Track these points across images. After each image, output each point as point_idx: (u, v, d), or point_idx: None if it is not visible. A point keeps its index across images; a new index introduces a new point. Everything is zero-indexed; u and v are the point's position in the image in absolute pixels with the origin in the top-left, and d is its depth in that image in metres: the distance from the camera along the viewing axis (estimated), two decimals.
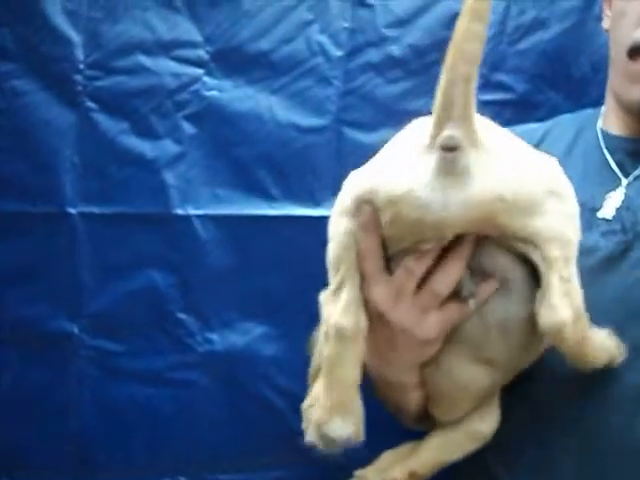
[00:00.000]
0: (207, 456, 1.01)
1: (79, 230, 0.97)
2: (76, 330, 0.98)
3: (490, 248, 0.61)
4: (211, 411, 1.00)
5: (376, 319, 0.62)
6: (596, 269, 0.71)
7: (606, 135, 0.81)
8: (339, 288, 0.63)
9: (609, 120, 0.83)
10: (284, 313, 1.00)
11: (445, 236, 0.58)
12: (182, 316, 1.00)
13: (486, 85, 1.01)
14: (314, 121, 1.00)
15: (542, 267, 0.58)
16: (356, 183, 0.62)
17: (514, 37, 1.02)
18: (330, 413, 0.62)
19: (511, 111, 1.01)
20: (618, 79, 0.79)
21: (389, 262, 0.63)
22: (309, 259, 1.02)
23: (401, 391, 0.70)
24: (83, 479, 0.99)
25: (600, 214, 0.74)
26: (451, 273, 0.61)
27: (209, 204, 1.00)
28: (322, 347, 0.63)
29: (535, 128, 0.89)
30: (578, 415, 0.69)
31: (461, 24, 0.53)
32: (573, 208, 0.61)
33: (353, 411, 0.62)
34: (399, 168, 0.58)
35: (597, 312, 0.62)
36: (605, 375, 0.65)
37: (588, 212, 0.73)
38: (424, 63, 1.01)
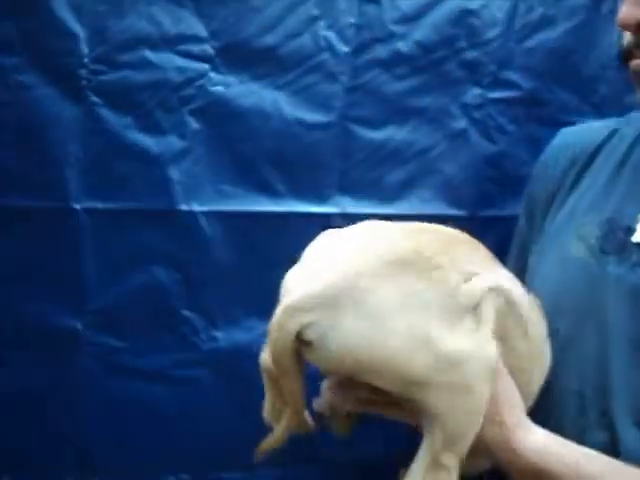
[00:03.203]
0: (210, 454, 1.01)
1: (83, 226, 0.96)
2: (79, 326, 0.97)
3: None
4: (215, 408, 1.00)
5: None
6: (623, 299, 0.69)
7: None
8: None
9: None
10: None
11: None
12: (186, 313, 1.00)
13: (494, 83, 1.01)
14: (320, 117, 1.00)
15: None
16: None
17: (522, 35, 1.02)
18: None
19: (519, 108, 1.01)
20: None
21: None
22: None
23: None
24: (86, 477, 0.98)
25: (635, 238, 0.70)
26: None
27: (214, 200, 0.99)
28: None
29: (606, 125, 0.86)
30: None
31: None
32: (476, 396, 0.59)
33: None
34: None
35: (626, 342, 0.63)
36: None
37: (622, 233, 0.71)
38: (431, 60, 1.01)
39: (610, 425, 0.67)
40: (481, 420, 0.60)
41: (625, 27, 0.70)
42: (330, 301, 0.59)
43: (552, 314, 0.73)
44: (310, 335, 0.59)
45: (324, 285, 0.60)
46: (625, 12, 0.69)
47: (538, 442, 0.63)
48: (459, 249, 0.65)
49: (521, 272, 0.83)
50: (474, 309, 0.60)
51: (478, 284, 0.60)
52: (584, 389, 0.69)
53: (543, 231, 0.84)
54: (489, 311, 0.60)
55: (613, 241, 0.68)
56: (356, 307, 0.58)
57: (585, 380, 0.69)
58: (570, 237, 0.75)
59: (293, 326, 0.60)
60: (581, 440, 0.67)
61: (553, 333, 0.72)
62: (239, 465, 1.01)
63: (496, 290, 0.61)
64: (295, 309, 0.60)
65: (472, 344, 0.58)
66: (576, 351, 0.71)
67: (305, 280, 0.63)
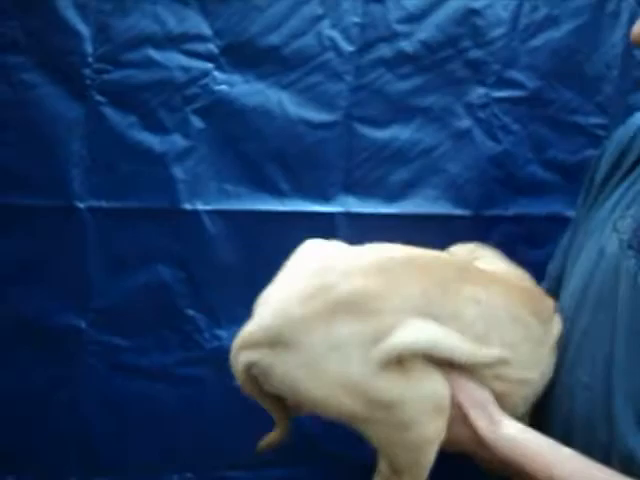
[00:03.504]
0: (214, 452, 1.01)
1: (87, 224, 0.96)
2: (83, 325, 0.97)
3: None
4: (218, 407, 1.00)
5: None
6: (631, 296, 0.69)
7: None
8: None
9: None
10: None
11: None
12: (190, 312, 1.00)
13: (498, 82, 1.01)
14: (324, 116, 1.00)
15: None
16: None
17: (526, 34, 1.01)
18: None
19: (523, 108, 1.01)
20: None
21: None
22: None
23: None
24: (89, 476, 0.98)
25: None
26: None
27: (218, 199, 0.99)
28: None
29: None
30: None
31: None
32: (419, 432, 0.62)
33: None
34: None
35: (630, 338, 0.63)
36: None
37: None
38: (436, 59, 1.01)
39: (612, 421, 0.67)
40: (432, 450, 0.63)
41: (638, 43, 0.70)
42: (271, 340, 0.63)
43: (576, 308, 0.74)
44: (254, 371, 0.65)
45: (268, 324, 0.64)
46: (637, 29, 0.69)
47: (510, 435, 0.65)
48: (417, 286, 0.65)
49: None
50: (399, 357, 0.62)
51: (396, 340, 0.61)
52: (594, 383, 0.69)
53: (590, 214, 0.84)
54: (414, 360, 0.62)
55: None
56: (292, 348, 0.61)
57: (595, 374, 0.70)
58: (608, 229, 0.75)
59: (242, 360, 0.65)
60: (587, 435, 0.68)
61: (575, 326, 0.74)
62: (242, 464, 1.01)
63: (412, 348, 0.62)
64: (242, 346, 0.65)
65: (404, 386, 0.61)
66: (590, 345, 0.71)
67: (259, 311, 0.67)
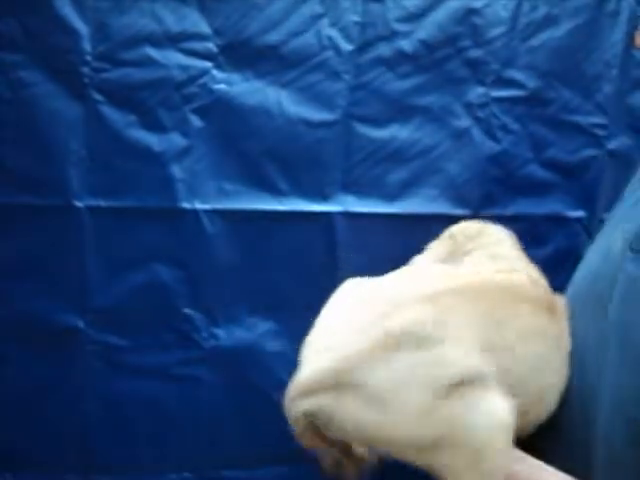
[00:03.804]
0: (212, 452, 1.01)
1: (85, 224, 0.96)
2: (82, 325, 0.97)
3: None
4: (216, 407, 1.00)
5: None
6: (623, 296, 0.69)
7: None
8: None
9: None
10: (290, 309, 1.00)
11: None
12: (188, 311, 1.00)
13: (498, 81, 1.01)
14: (324, 116, 1.00)
15: None
16: None
17: (526, 34, 1.01)
18: None
19: (522, 107, 1.01)
20: None
21: None
22: (317, 255, 1.02)
23: None
24: (87, 475, 0.98)
25: None
26: None
27: (216, 198, 0.99)
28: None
29: None
30: None
31: None
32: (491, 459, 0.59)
33: None
34: None
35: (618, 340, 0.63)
36: None
37: None
38: (435, 58, 1.00)
39: (596, 423, 0.67)
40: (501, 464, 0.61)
41: None
42: (330, 385, 0.60)
43: (580, 305, 0.74)
44: (316, 418, 0.61)
45: (324, 367, 0.61)
46: None
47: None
48: (463, 314, 0.64)
49: None
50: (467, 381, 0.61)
51: (459, 366, 0.60)
52: (584, 384, 0.69)
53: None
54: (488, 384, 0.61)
55: None
56: (354, 389, 0.60)
57: (585, 380, 0.69)
58: (617, 230, 0.74)
59: (300, 409, 0.61)
60: (577, 436, 0.68)
61: (576, 329, 0.73)
62: (240, 463, 1.01)
63: (468, 378, 0.61)
64: (299, 395, 0.62)
65: (468, 410, 0.59)
66: (586, 347, 0.71)
67: (313, 357, 0.64)
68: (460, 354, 0.61)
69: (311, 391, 0.61)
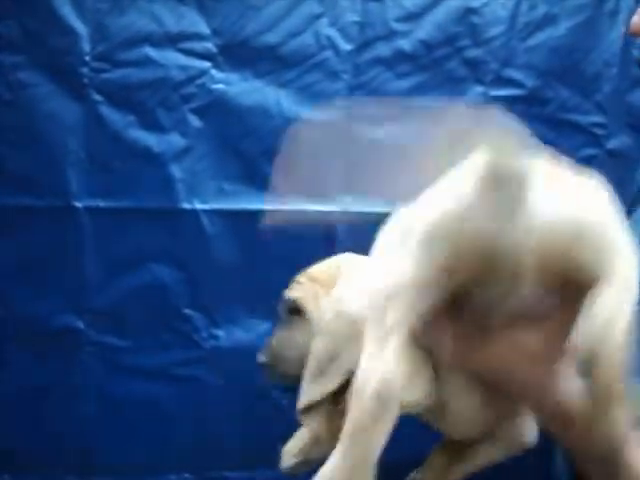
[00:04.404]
0: (212, 452, 1.00)
1: (85, 224, 0.96)
2: (82, 325, 0.97)
3: None
4: (216, 407, 1.00)
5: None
6: None
7: None
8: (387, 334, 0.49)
9: None
10: None
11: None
12: (188, 312, 0.99)
13: (496, 80, 1.01)
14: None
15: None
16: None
17: (525, 33, 1.01)
18: None
19: (521, 106, 1.01)
20: None
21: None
22: (316, 255, 1.02)
23: None
24: (87, 475, 0.98)
25: None
26: None
27: (216, 198, 0.99)
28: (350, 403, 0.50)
29: None
30: None
31: None
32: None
33: None
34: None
35: None
36: None
37: None
38: (434, 58, 1.00)
39: None
40: None
41: (638, 34, 0.70)
42: None
43: None
44: None
45: None
46: (637, 20, 0.68)
47: None
48: None
49: None
50: None
51: None
52: None
53: None
54: None
55: None
56: None
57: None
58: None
59: None
60: None
61: None
62: (241, 463, 1.00)
63: None
64: None
65: None
66: None
67: None
68: None
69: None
